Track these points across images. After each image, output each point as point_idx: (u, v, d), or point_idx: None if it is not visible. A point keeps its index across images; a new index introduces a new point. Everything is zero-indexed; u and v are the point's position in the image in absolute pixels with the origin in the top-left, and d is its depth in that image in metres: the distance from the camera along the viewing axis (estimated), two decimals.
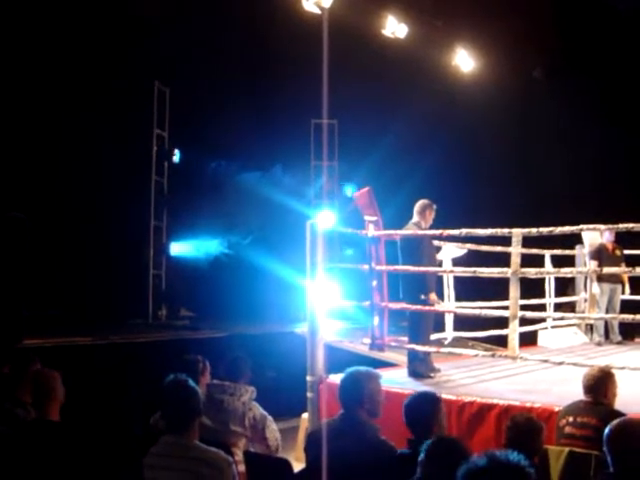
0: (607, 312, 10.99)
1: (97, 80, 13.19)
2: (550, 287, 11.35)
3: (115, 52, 13.28)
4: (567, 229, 7.44)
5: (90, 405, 5.09)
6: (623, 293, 11.29)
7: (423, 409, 4.79)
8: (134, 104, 14.56)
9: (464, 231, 7.79)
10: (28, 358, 5.71)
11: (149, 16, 12.69)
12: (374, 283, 8.28)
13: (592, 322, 11.45)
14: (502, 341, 8.65)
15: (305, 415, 8.35)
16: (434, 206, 8.34)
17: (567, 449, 5.07)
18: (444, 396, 6.22)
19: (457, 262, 9.57)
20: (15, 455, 4.48)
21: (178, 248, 16.28)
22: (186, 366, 5.97)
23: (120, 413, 8.57)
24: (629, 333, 11.54)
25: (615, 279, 11.09)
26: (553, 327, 11.23)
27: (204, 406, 5.30)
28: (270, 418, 5.82)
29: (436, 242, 8.91)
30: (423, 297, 7.90)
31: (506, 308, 7.71)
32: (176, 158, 15.85)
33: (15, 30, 12.16)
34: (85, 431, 4.67)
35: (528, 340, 10.16)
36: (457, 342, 10.00)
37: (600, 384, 5.50)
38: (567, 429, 5.36)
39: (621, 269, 10.56)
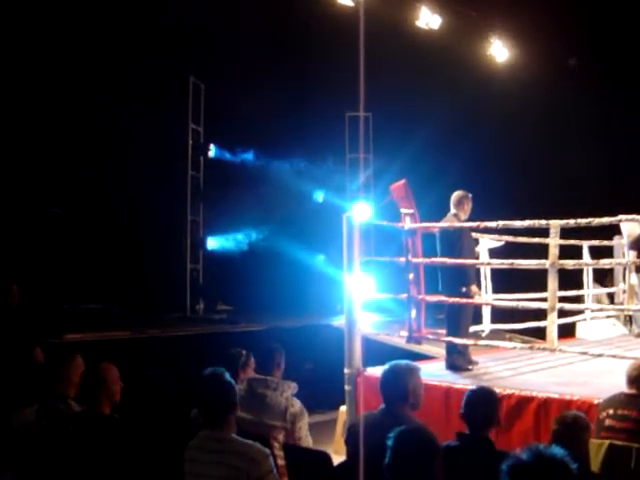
0: None
1: (133, 76, 13.28)
2: (588, 278, 11.24)
3: (150, 48, 13.37)
4: (605, 220, 7.37)
5: (130, 399, 5.13)
6: None
7: (485, 404, 4.71)
8: (169, 99, 14.65)
9: (501, 223, 7.76)
10: (68, 353, 5.77)
11: (183, 11, 12.76)
12: (411, 276, 8.28)
13: (631, 313, 11.34)
14: (540, 333, 8.60)
15: (343, 408, 8.37)
16: (470, 196, 8.29)
17: (607, 442, 5.04)
18: None
19: (494, 254, 9.53)
20: (62, 448, 4.53)
21: (215, 242, 16.38)
22: (230, 359, 6.03)
23: (160, 407, 8.65)
24: None
25: None
26: (592, 319, 11.13)
27: (245, 400, 5.36)
28: (306, 416, 5.81)
29: (473, 234, 8.87)
30: (464, 289, 7.88)
31: (544, 300, 7.66)
32: (212, 153, 15.94)
33: (49, 26, 12.31)
34: (132, 424, 4.71)
35: (566, 332, 10.07)
36: (495, 334, 9.94)
37: None
38: (607, 422, 5.31)
39: None
